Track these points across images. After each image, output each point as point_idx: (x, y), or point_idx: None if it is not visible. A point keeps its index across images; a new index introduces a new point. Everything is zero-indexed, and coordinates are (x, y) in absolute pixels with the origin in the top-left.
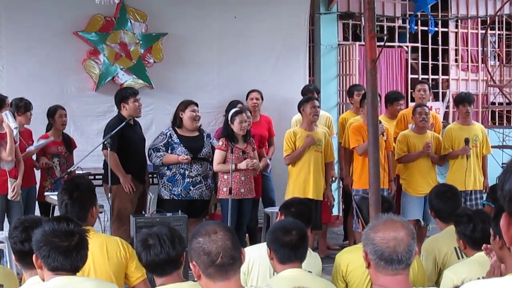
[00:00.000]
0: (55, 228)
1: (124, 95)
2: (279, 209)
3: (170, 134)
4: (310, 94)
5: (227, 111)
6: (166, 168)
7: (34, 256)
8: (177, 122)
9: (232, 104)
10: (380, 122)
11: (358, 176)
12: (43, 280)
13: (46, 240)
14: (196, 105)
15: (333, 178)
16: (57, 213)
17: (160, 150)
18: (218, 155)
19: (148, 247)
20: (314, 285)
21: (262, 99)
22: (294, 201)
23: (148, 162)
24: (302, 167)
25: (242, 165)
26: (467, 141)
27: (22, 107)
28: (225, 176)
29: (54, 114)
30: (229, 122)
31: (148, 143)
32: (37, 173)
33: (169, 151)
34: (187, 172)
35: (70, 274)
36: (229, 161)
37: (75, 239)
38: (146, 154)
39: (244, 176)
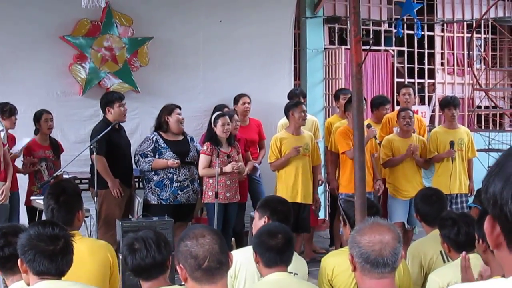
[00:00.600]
0: (40, 232)
1: (109, 99)
2: (256, 208)
3: (156, 139)
4: (297, 98)
5: (212, 115)
6: (153, 173)
7: (19, 260)
8: (162, 126)
9: (218, 108)
10: (370, 126)
11: (347, 180)
12: (28, 285)
13: (31, 244)
14: (180, 108)
15: (320, 182)
16: (43, 218)
17: (148, 155)
18: (203, 159)
19: (133, 251)
20: None
21: (251, 102)
22: (272, 199)
23: (134, 166)
24: (290, 172)
25: (228, 168)
26: (452, 144)
27: (7, 111)
28: (211, 181)
29: (40, 118)
30: (212, 125)
31: (134, 148)
32: (25, 178)
33: (157, 156)
34: (175, 177)
35: (56, 278)
36: (214, 165)
37: (60, 243)
38: (132, 159)
39: (229, 180)
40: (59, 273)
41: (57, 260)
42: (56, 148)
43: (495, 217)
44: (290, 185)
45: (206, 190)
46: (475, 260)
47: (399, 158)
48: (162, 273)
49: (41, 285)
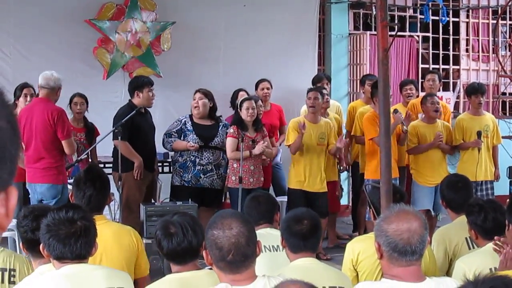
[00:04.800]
0: (55, 216)
1: (140, 83)
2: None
3: (185, 121)
4: (322, 82)
5: (232, 100)
6: (178, 154)
7: (41, 245)
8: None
9: (236, 93)
10: (397, 111)
11: (373, 167)
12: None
13: (47, 228)
14: (203, 93)
15: (341, 167)
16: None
17: (172, 135)
18: (230, 142)
19: (170, 235)
20: (326, 275)
21: (272, 88)
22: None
23: (157, 151)
24: (303, 161)
25: (257, 149)
26: (479, 134)
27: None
28: (235, 165)
29: (71, 101)
30: (238, 109)
31: (156, 132)
32: None
33: (182, 138)
34: (197, 160)
35: (76, 262)
36: (239, 150)
37: (75, 226)
38: (155, 143)
39: (253, 166)
40: (77, 257)
41: (70, 244)
42: (91, 132)
43: None
44: (302, 175)
45: (229, 175)
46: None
47: (425, 146)
48: (195, 258)
49: (65, 269)
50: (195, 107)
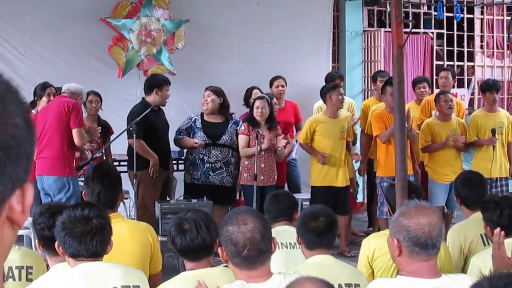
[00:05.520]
0: (70, 214)
1: (160, 82)
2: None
3: (195, 119)
4: (335, 81)
5: (245, 97)
6: (188, 152)
7: (56, 243)
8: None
9: (249, 91)
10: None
11: (382, 163)
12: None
13: (62, 226)
14: (213, 90)
15: (356, 158)
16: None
17: (181, 133)
18: (241, 139)
19: (183, 232)
20: (342, 272)
21: (286, 85)
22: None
23: (172, 148)
24: (327, 157)
25: (265, 144)
26: (493, 131)
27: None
28: (246, 162)
29: (86, 99)
30: (252, 107)
31: (170, 129)
32: None
33: (191, 135)
34: (205, 158)
35: (91, 260)
36: (252, 147)
37: (91, 224)
38: (169, 141)
39: (263, 163)
40: (92, 255)
41: (86, 241)
42: (105, 130)
43: None
44: (325, 169)
45: (242, 171)
46: None
47: (438, 145)
48: (209, 255)
49: (80, 267)
50: (204, 104)
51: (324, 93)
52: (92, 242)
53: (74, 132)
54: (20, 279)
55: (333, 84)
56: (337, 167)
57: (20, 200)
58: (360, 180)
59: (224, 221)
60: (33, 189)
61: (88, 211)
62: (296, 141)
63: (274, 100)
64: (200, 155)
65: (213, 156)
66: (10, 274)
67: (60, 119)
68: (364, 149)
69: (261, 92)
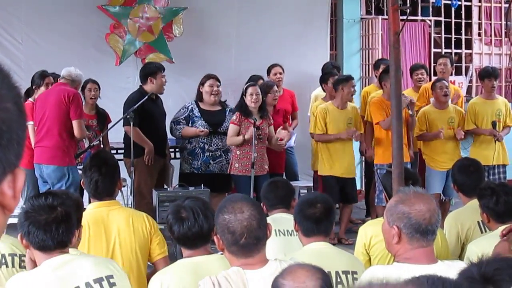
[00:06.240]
0: (34, 203)
1: (153, 70)
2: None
3: (192, 107)
4: (331, 71)
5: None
6: (186, 141)
7: (19, 235)
8: (200, 96)
9: (253, 79)
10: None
11: (381, 150)
12: (32, 260)
13: (26, 216)
14: (217, 79)
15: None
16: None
17: (180, 123)
18: (231, 129)
19: (181, 220)
20: (339, 259)
21: (284, 73)
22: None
23: (170, 136)
24: (334, 147)
25: (247, 134)
26: (494, 124)
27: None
28: (238, 152)
29: (84, 87)
30: (244, 95)
31: (167, 118)
32: None
33: (190, 124)
34: (206, 146)
35: (58, 251)
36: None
37: (55, 212)
38: (166, 128)
39: (256, 153)
40: (58, 244)
41: (51, 230)
42: (103, 118)
43: None
44: (332, 159)
45: (232, 161)
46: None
47: (432, 135)
48: (206, 243)
49: (49, 262)
50: (214, 94)
51: (336, 84)
52: (58, 231)
53: (74, 123)
54: (13, 265)
55: (346, 76)
56: (344, 157)
57: (11, 186)
58: (358, 168)
59: (219, 209)
60: (24, 175)
61: (52, 200)
62: (294, 129)
63: (275, 87)
64: (200, 144)
65: (214, 144)
66: (3, 261)
67: (59, 109)
68: (367, 137)
69: (263, 81)
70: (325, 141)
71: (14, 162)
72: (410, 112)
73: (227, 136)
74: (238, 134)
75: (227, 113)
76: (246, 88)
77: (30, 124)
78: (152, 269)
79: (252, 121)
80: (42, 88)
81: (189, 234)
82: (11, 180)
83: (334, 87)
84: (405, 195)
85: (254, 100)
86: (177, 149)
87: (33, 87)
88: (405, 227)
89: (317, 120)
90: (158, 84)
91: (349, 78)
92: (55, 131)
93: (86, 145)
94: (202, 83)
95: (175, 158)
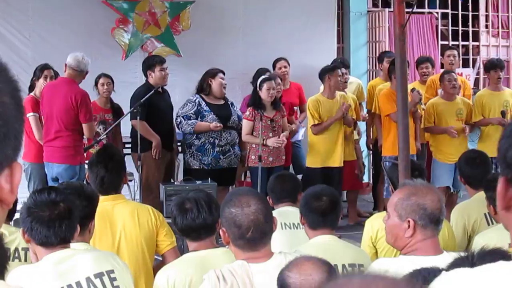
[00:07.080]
0: (36, 199)
1: (150, 63)
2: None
3: (198, 101)
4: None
5: (254, 79)
6: (194, 137)
7: (21, 230)
8: (205, 89)
9: (260, 72)
10: (414, 90)
11: (389, 143)
12: (35, 253)
13: (28, 211)
14: (224, 73)
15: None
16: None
17: (191, 118)
18: (245, 125)
19: (184, 211)
20: (345, 252)
21: (289, 66)
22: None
23: (176, 130)
24: (323, 138)
25: (270, 142)
26: (503, 113)
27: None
28: (254, 145)
29: (97, 82)
30: (258, 89)
31: (174, 111)
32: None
33: (199, 119)
34: (216, 141)
35: (60, 246)
36: (257, 130)
37: (58, 208)
38: (174, 122)
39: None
40: (61, 240)
41: (55, 226)
42: (117, 113)
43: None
44: (321, 152)
45: (249, 154)
46: None
47: (440, 129)
48: (211, 235)
49: (50, 258)
50: (224, 87)
51: (322, 74)
52: (61, 227)
53: (85, 126)
54: (26, 260)
55: (332, 66)
56: (334, 147)
57: (9, 180)
58: (366, 161)
59: (224, 202)
60: (22, 168)
61: (55, 195)
62: (301, 122)
63: (278, 80)
64: (210, 139)
65: (223, 139)
66: (16, 255)
67: (68, 115)
68: (378, 129)
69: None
70: (323, 130)
71: (11, 156)
72: (423, 106)
73: (243, 132)
74: (253, 129)
75: (230, 107)
76: (262, 82)
77: (31, 115)
78: (157, 262)
79: (267, 115)
80: (41, 81)
81: (193, 225)
82: (8, 174)
83: (319, 77)
84: (415, 187)
85: (271, 95)
86: (179, 144)
87: (33, 79)
88: (421, 219)
89: (312, 112)
90: (157, 76)
91: (334, 68)
92: (65, 134)
93: (103, 139)
94: (211, 76)
95: (183, 152)
